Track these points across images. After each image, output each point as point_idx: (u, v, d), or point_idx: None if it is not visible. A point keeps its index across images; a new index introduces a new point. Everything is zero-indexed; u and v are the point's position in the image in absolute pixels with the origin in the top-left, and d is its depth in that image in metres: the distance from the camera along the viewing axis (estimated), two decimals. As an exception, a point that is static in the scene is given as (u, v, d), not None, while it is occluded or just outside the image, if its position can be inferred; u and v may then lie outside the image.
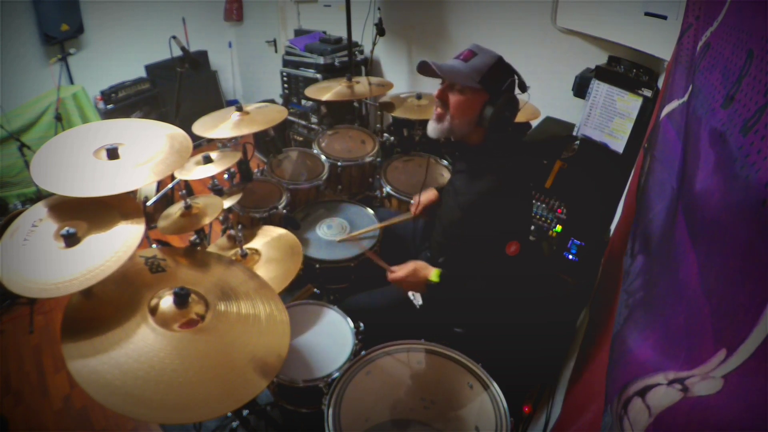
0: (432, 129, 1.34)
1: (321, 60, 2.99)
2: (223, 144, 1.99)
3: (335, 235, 1.96)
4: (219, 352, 1.03)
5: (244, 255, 1.60)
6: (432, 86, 1.38)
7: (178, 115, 2.05)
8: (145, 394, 0.88)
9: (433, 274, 1.35)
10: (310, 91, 2.45)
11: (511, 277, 1.36)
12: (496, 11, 2.48)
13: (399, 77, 3.19)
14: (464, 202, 1.35)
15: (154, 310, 1.05)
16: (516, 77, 1.28)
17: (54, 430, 1.91)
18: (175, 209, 1.48)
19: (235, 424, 1.61)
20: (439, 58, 1.29)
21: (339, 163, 2.35)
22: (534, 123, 2.26)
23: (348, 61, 2.92)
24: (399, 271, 1.38)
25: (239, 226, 1.60)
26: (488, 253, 1.32)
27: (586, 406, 0.95)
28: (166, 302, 1.07)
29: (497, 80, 1.25)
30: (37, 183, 1.07)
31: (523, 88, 1.30)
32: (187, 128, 1.45)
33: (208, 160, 1.63)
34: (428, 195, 1.69)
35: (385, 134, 2.68)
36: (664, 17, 1.62)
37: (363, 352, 1.34)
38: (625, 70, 1.88)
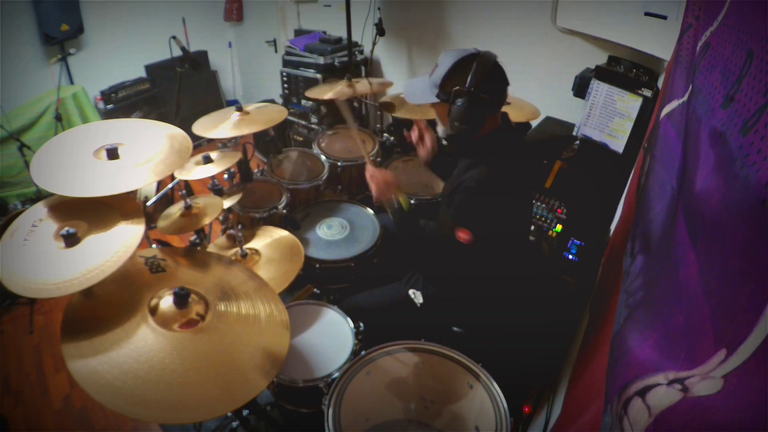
0: (438, 131, 1.43)
1: (321, 60, 2.99)
2: (223, 144, 1.99)
3: (335, 235, 1.96)
4: (219, 352, 1.03)
5: (244, 255, 1.60)
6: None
7: (178, 115, 2.05)
8: (145, 394, 0.88)
9: (402, 200, 1.40)
10: (310, 93, 2.44)
11: (508, 277, 1.36)
12: (496, 11, 2.48)
13: (399, 77, 3.19)
14: (452, 189, 1.37)
15: (154, 310, 1.05)
16: (467, 81, 1.20)
17: (54, 430, 1.91)
18: (175, 209, 1.48)
19: (235, 424, 1.61)
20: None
21: (339, 163, 2.35)
22: (534, 123, 2.26)
23: (348, 61, 2.92)
24: (377, 175, 1.44)
25: (239, 226, 1.60)
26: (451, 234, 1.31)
27: (586, 406, 0.95)
28: (166, 302, 1.07)
29: (449, 90, 1.24)
30: (37, 183, 1.07)
31: (474, 92, 1.21)
32: (187, 128, 1.45)
33: (208, 160, 1.63)
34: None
35: (385, 134, 2.68)
36: (664, 17, 1.62)
37: (363, 352, 1.34)
38: (625, 70, 1.88)
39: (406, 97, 1.38)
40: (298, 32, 3.51)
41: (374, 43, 2.86)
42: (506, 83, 1.28)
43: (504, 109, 1.34)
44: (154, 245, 1.78)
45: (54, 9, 3.09)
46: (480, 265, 1.35)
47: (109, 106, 3.45)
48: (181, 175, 1.57)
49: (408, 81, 1.40)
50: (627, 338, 0.80)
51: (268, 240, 1.71)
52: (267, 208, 2.03)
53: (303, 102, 3.15)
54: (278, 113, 1.93)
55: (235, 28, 4.31)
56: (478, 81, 1.21)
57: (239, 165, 1.74)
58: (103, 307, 1.02)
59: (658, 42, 1.66)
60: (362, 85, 2.43)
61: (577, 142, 1.98)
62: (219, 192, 1.69)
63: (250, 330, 1.10)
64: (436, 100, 1.28)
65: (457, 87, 1.22)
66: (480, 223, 1.28)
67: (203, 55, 4.04)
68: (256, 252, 1.65)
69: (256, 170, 2.25)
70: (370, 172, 1.46)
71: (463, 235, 1.26)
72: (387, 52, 3.22)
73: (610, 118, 1.87)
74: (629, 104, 1.80)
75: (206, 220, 1.46)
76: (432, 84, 1.29)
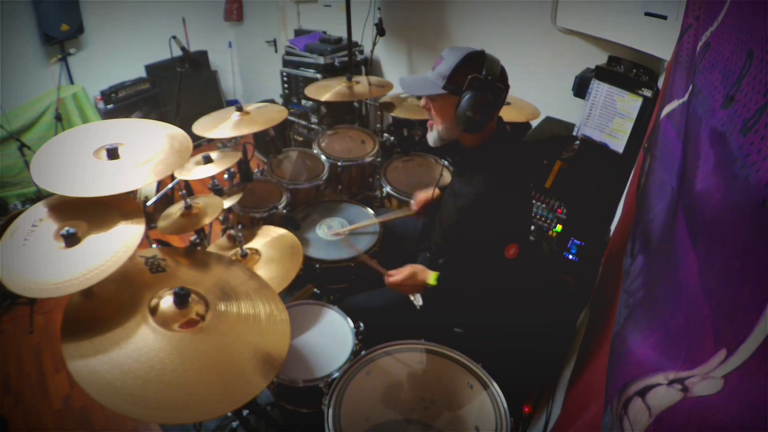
0: (429, 138, 1.38)
1: (321, 60, 2.99)
2: (223, 144, 1.99)
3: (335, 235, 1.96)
4: (219, 352, 1.03)
5: (244, 255, 1.60)
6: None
7: (178, 115, 2.05)
8: (145, 394, 0.88)
9: (431, 277, 1.36)
10: (310, 90, 2.44)
11: (511, 278, 1.36)
12: (496, 11, 2.48)
13: (399, 77, 3.19)
14: (461, 204, 1.35)
15: (154, 310, 1.05)
16: (483, 71, 1.19)
17: (54, 430, 1.91)
18: (175, 209, 1.48)
19: (235, 424, 1.61)
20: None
21: (339, 163, 2.35)
22: (534, 123, 2.26)
23: (348, 61, 2.92)
24: (397, 276, 1.40)
25: (239, 226, 1.60)
26: (486, 255, 1.32)
27: (586, 406, 0.95)
28: (166, 302, 1.07)
29: (460, 80, 1.21)
30: (37, 183, 1.07)
31: (491, 80, 1.19)
32: (187, 128, 1.45)
33: (208, 160, 1.63)
34: (428, 192, 1.70)
35: (385, 134, 2.68)
36: (664, 17, 1.62)
37: (363, 352, 1.34)
38: (625, 70, 1.88)
39: (405, 89, 1.34)
40: (298, 32, 3.51)
41: (374, 43, 2.86)
42: (508, 86, 1.27)
43: (504, 109, 1.34)
44: (154, 245, 1.78)
45: (54, 9, 3.09)
46: (486, 265, 1.35)
47: (109, 106, 3.45)
48: (181, 175, 1.57)
49: (403, 77, 1.38)
50: (627, 338, 0.80)
51: (268, 240, 1.71)
52: (267, 208, 2.03)
53: (303, 102, 3.15)
54: (278, 113, 1.92)
55: (235, 28, 4.31)
56: (492, 72, 1.20)
57: (239, 165, 1.74)
58: (103, 307, 1.02)
59: (658, 42, 1.65)
60: (362, 86, 2.43)
61: (577, 142, 1.97)
62: (219, 192, 1.69)
63: (250, 330, 1.10)
64: (442, 91, 1.24)
65: (473, 75, 1.19)
66: (516, 229, 1.29)
67: (203, 55, 4.04)
68: (256, 252, 1.65)
69: (256, 170, 2.25)
70: (390, 281, 1.42)
71: (511, 251, 1.26)
72: (387, 52, 3.22)
73: (610, 118, 1.87)
74: (629, 104, 1.80)
75: (206, 220, 1.46)
76: (438, 75, 1.24)
